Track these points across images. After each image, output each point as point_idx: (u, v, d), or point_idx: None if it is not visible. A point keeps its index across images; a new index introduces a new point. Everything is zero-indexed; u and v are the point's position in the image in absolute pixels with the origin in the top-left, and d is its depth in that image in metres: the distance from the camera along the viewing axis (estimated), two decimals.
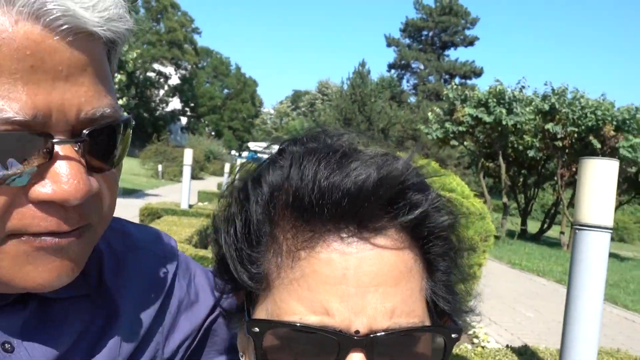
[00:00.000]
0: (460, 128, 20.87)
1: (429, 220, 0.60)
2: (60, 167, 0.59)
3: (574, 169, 18.65)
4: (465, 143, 22.66)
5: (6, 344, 0.69)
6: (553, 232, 24.88)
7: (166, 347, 0.87)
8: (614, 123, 17.22)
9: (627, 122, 17.16)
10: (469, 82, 65.07)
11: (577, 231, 3.32)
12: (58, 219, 0.60)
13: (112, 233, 0.89)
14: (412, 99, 67.84)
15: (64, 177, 0.58)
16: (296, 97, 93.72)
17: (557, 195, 20.98)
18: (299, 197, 0.58)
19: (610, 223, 3.29)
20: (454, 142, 22.57)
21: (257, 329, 0.59)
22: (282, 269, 0.60)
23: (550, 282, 12.24)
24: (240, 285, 0.66)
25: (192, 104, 75.64)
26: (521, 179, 23.80)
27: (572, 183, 19.98)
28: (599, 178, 3.28)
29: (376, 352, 0.56)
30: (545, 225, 23.51)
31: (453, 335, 0.61)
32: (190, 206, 13.47)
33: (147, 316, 0.84)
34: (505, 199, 22.01)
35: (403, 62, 70.99)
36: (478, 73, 68.77)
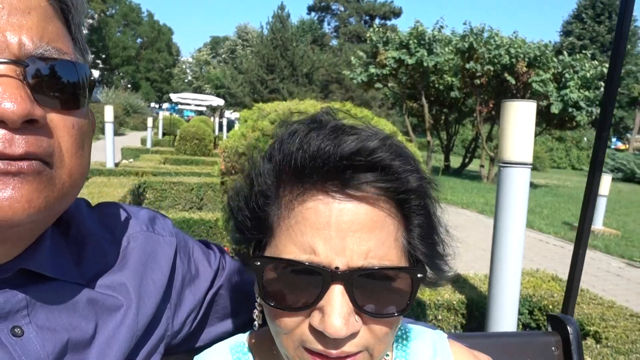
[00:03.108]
0: (384, 71, 21.17)
1: (401, 181, 0.72)
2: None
3: (491, 105, 19.56)
4: (389, 85, 23.06)
5: (16, 329, 0.71)
6: (474, 166, 26.17)
7: (175, 320, 0.95)
8: (526, 60, 18.07)
9: (538, 58, 18.07)
10: (388, 22, 65.34)
11: (501, 168, 3.64)
12: (3, 140, 0.62)
13: (113, 220, 0.94)
14: (334, 42, 67.41)
15: (1, 95, 0.61)
16: (215, 43, 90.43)
17: (477, 130, 21.97)
18: (295, 161, 0.71)
19: (529, 159, 3.62)
20: (378, 85, 22.89)
21: (258, 263, 0.73)
22: (281, 219, 0.74)
23: (474, 213, 12.97)
24: (252, 238, 0.80)
25: (103, 56, 71.25)
26: (443, 117, 24.65)
27: (490, 118, 20.99)
28: (519, 119, 3.58)
29: (354, 285, 0.69)
30: (467, 160, 24.59)
31: (418, 275, 0.73)
32: (116, 164, 13.04)
33: (156, 294, 0.90)
34: (429, 137, 22.82)
35: (323, 4, 69.94)
36: (397, 13, 69.05)
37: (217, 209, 7.89)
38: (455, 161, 27.07)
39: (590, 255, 8.86)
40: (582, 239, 1.82)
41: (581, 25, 59.02)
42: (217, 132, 27.75)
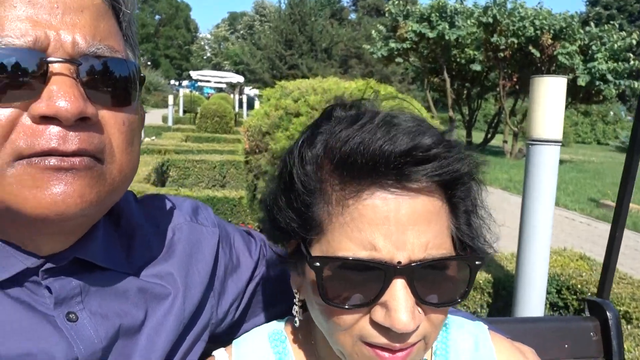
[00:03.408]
0: (405, 45, 20.85)
1: (451, 170, 0.72)
2: (53, 84, 0.65)
3: (515, 79, 19.18)
4: (410, 59, 22.73)
5: (70, 314, 0.75)
6: (496, 141, 25.81)
7: (219, 309, 0.97)
8: (552, 32, 17.62)
9: (564, 30, 17.60)
10: None
11: (530, 146, 3.57)
12: (58, 137, 0.65)
13: (158, 212, 0.97)
14: (353, 16, 66.54)
15: (55, 93, 0.64)
16: (232, 19, 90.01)
17: (500, 105, 21.61)
18: (347, 158, 0.70)
19: (559, 136, 3.55)
20: (398, 60, 22.57)
21: (318, 264, 0.72)
22: (333, 215, 0.72)
23: (497, 190, 12.84)
24: (294, 236, 0.78)
25: None
26: (465, 92, 24.26)
27: (513, 92, 20.62)
28: (549, 95, 3.49)
29: (415, 278, 0.69)
30: (489, 135, 24.25)
31: (477, 263, 0.74)
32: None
33: (201, 283, 0.92)
34: (451, 112, 22.53)
35: None
36: None
37: (240, 187, 7.94)
38: (478, 136, 26.70)
39: None
40: (619, 221, 1.79)
41: None
42: (237, 109, 27.79)
